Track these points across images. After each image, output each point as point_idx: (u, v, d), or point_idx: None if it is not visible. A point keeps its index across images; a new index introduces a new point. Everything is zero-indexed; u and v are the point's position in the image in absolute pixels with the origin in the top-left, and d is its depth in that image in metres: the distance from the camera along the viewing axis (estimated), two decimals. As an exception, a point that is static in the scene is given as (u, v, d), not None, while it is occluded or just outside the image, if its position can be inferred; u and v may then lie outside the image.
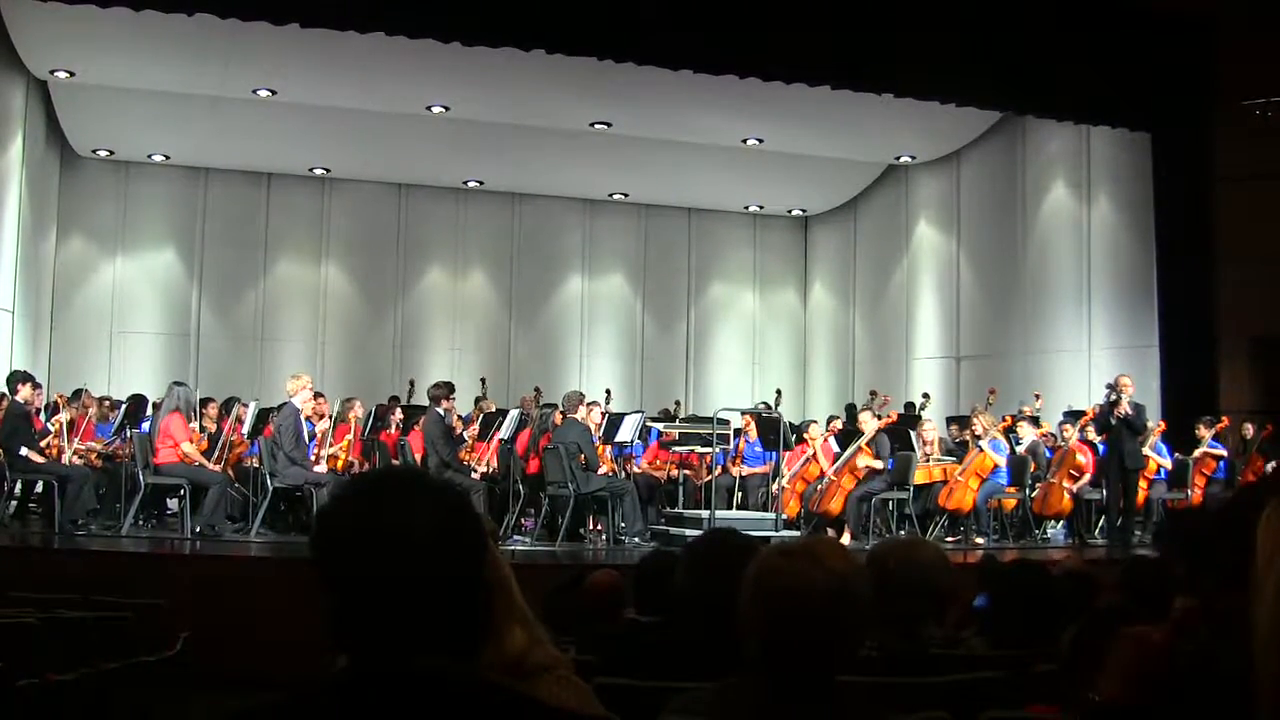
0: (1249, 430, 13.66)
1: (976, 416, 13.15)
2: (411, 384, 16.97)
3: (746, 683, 2.33)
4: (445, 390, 11.95)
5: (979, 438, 12.79)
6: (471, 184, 19.54)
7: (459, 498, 1.76)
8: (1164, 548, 4.27)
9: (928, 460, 13.01)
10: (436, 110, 16.05)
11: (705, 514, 11.72)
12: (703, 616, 3.05)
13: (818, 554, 2.36)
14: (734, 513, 12.47)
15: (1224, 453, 13.47)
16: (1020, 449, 13.23)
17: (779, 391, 16.63)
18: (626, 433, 12.41)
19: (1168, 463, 13.29)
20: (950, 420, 15.08)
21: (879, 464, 12.34)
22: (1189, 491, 13.17)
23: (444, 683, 1.67)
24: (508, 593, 2.46)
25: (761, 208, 20.93)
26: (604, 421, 12.48)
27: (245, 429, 12.39)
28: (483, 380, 15.76)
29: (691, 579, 3.28)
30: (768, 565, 2.35)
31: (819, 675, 2.29)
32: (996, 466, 12.66)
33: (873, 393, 16.52)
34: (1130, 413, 12.19)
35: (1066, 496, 12.82)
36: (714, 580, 2.45)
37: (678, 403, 18.70)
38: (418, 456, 12.18)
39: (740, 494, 13.21)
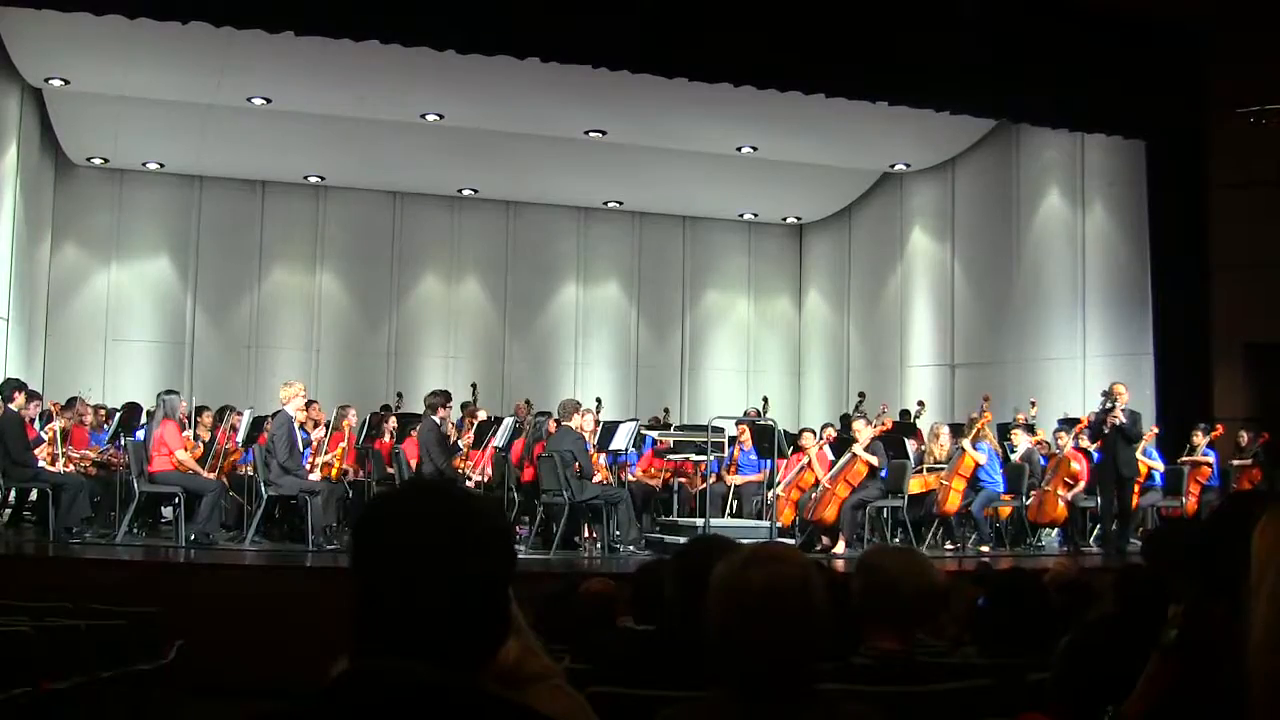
0: (1244, 438, 13.66)
1: (972, 421, 13.18)
2: (400, 396, 16.98)
3: (730, 692, 2.34)
4: (442, 399, 11.95)
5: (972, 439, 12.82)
6: (466, 192, 19.55)
7: (499, 513, 1.86)
8: (1151, 558, 4.26)
9: (922, 470, 12.99)
10: (431, 118, 16.05)
11: (699, 522, 11.72)
12: (692, 624, 3.05)
13: (772, 556, 2.41)
14: (728, 521, 12.46)
15: (1213, 460, 13.46)
16: (1015, 457, 13.24)
17: (766, 399, 16.66)
18: (621, 441, 12.41)
19: (1159, 465, 13.29)
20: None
21: (876, 460, 12.32)
22: (1183, 499, 13.16)
23: (443, 691, 1.69)
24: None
25: (756, 215, 20.95)
26: (598, 429, 12.48)
27: (240, 437, 12.39)
28: (474, 386, 15.74)
29: (678, 587, 3.29)
30: (725, 574, 2.39)
31: (793, 676, 2.32)
32: (979, 465, 12.65)
33: (861, 394, 16.57)
34: (1124, 420, 12.18)
35: (1061, 504, 12.83)
36: (701, 588, 2.46)
37: (666, 410, 18.72)
38: (412, 464, 12.17)
39: (735, 502, 13.21)
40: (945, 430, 13.56)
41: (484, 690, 1.76)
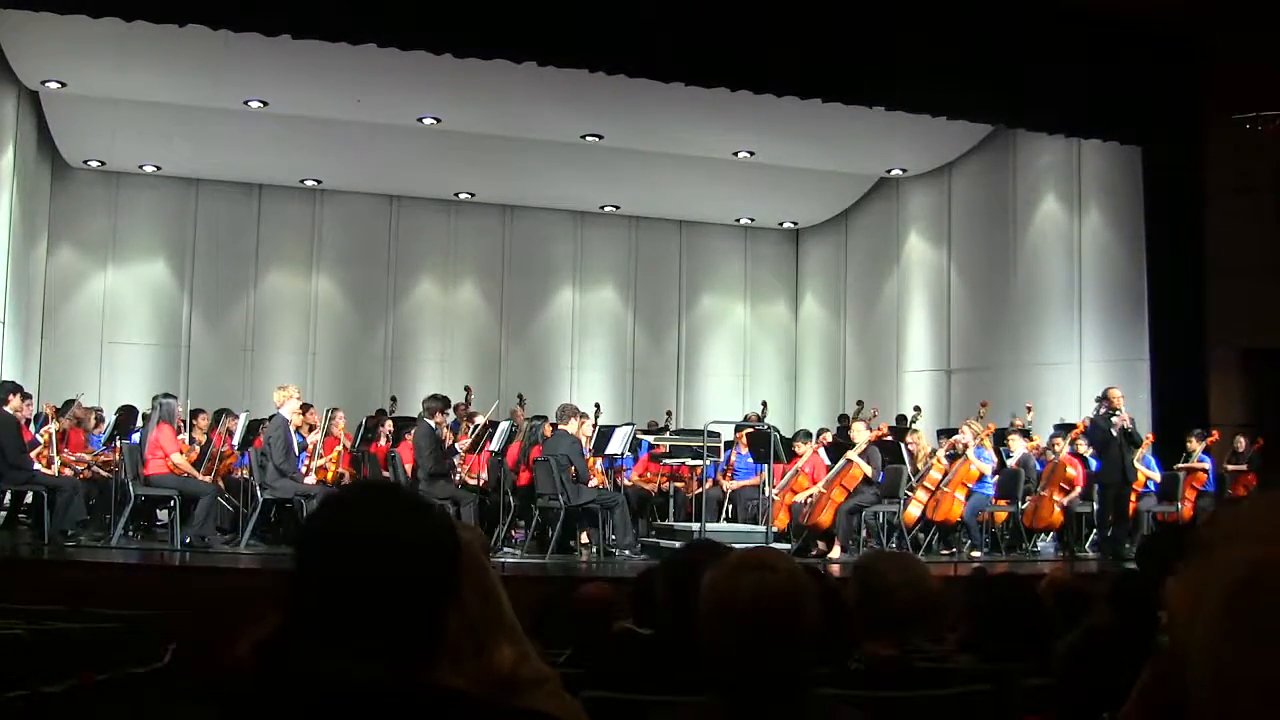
0: (1241, 443, 13.66)
1: (966, 426, 13.20)
2: (394, 400, 16.95)
3: (721, 697, 2.35)
4: (439, 404, 11.95)
5: (966, 446, 12.81)
6: (462, 196, 19.53)
7: (441, 516, 1.84)
8: (1145, 564, 4.27)
9: (914, 488, 12.96)
10: (428, 122, 16.06)
11: (696, 527, 11.72)
12: (684, 629, 3.05)
13: (761, 563, 2.41)
14: (725, 525, 12.45)
15: (1209, 466, 13.46)
16: (1011, 462, 13.23)
17: (765, 403, 16.64)
18: (617, 445, 12.40)
19: (1156, 475, 13.31)
20: (940, 433, 15.09)
21: (869, 469, 12.32)
22: (1179, 505, 13.17)
23: (381, 688, 1.69)
24: (497, 606, 2.45)
25: (752, 220, 20.95)
26: (594, 434, 12.48)
27: (235, 440, 12.37)
28: (467, 389, 15.70)
29: (669, 592, 3.28)
30: (714, 581, 2.39)
31: (782, 681, 2.32)
32: (982, 475, 12.65)
33: (860, 403, 16.57)
34: (1131, 425, 12.27)
35: (1057, 509, 12.83)
36: (691, 592, 2.47)
37: (669, 414, 18.70)
38: (408, 468, 12.16)
39: (731, 506, 13.20)
40: (926, 438, 13.59)
41: (444, 687, 1.78)
